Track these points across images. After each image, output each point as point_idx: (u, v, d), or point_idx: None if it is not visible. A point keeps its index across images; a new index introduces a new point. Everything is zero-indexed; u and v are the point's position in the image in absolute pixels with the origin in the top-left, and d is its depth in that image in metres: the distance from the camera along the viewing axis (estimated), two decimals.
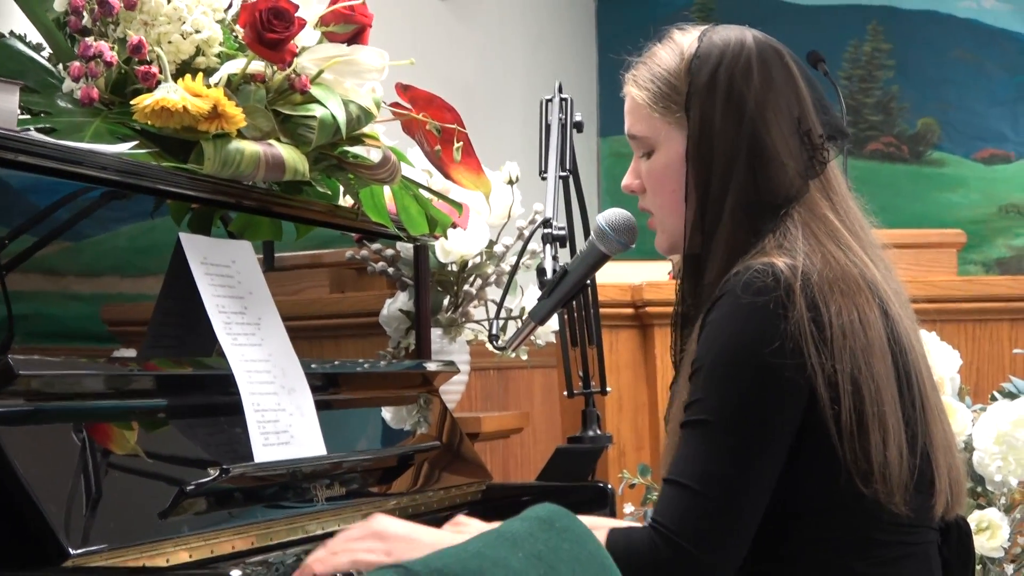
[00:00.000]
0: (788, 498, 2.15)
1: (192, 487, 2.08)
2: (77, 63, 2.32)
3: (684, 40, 2.32)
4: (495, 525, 1.78)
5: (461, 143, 2.72)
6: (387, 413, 2.81)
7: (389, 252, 3.14)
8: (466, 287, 3.37)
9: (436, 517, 2.66)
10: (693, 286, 2.31)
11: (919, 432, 2.19)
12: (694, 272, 2.30)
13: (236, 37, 2.48)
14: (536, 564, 1.63)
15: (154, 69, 2.32)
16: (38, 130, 2.16)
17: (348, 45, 2.53)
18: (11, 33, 2.44)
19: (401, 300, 3.15)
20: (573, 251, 2.84)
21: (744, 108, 2.24)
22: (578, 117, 2.90)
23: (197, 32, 2.40)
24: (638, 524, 2.22)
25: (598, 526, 2.13)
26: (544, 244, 2.71)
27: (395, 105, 2.69)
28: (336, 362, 2.79)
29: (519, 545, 1.65)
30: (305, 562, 2.06)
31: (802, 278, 2.13)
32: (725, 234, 2.24)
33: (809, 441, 2.13)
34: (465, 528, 2.16)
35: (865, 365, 2.13)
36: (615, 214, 2.59)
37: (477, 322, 3.43)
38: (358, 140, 2.59)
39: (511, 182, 3.46)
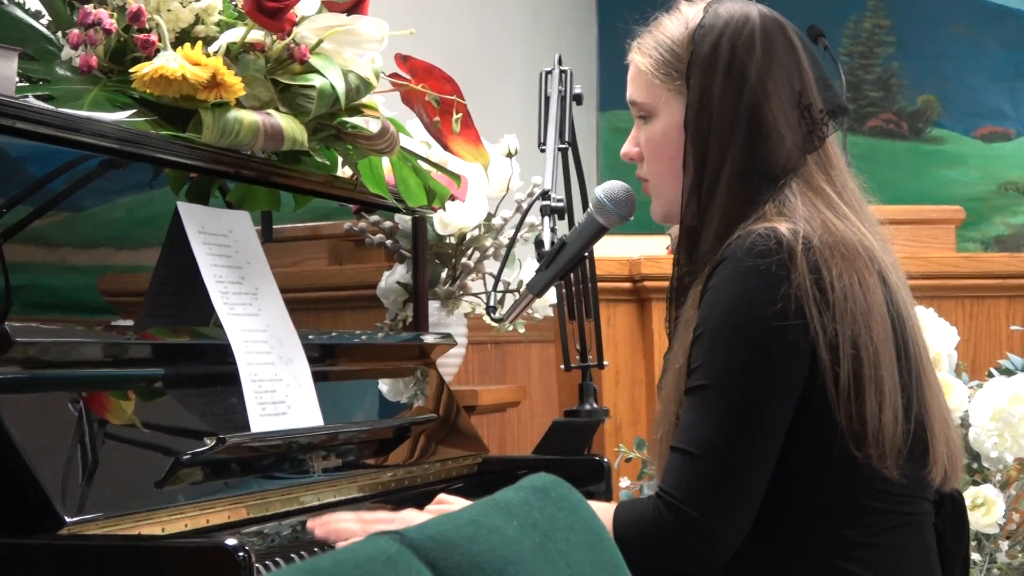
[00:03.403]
0: (783, 462, 2.15)
1: (188, 456, 2.09)
2: (76, 30, 2.31)
3: (690, 11, 2.34)
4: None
5: (460, 114, 2.72)
6: (384, 385, 2.81)
7: (387, 224, 3.14)
8: (464, 260, 3.36)
9: (431, 490, 2.67)
10: (689, 255, 2.31)
11: (914, 399, 2.20)
12: (691, 243, 2.30)
13: (235, 6, 2.48)
14: (531, 532, 1.64)
15: (153, 37, 2.32)
16: (36, 97, 2.15)
17: (347, 15, 2.53)
18: (10, 0, 2.43)
19: (399, 272, 3.15)
20: (571, 223, 2.84)
21: (745, 80, 2.25)
22: (578, 89, 2.90)
23: (196, 0, 2.39)
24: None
25: (607, 513, 2.14)
26: (542, 216, 2.71)
27: (394, 76, 2.69)
28: (333, 333, 2.79)
29: (514, 513, 1.65)
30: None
31: (803, 242, 2.14)
32: (721, 203, 2.24)
33: (806, 405, 2.14)
34: (450, 506, 2.17)
35: (865, 328, 2.14)
36: (614, 186, 2.59)
37: (475, 295, 3.43)
38: (357, 110, 2.58)
39: (510, 154, 3.45)
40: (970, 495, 3.37)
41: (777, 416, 2.14)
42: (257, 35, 2.42)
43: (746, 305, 2.13)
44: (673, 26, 2.33)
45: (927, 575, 2.25)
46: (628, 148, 2.41)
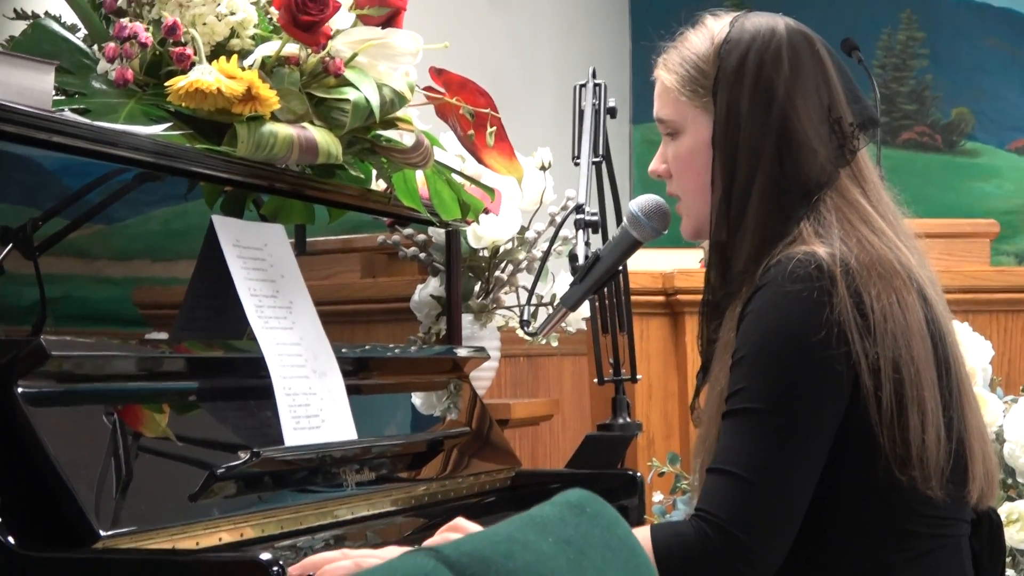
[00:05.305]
0: (825, 488, 2.14)
1: (222, 470, 2.08)
2: (112, 44, 2.32)
3: (715, 25, 2.32)
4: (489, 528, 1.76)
5: (494, 128, 2.72)
6: (417, 399, 2.81)
7: (421, 237, 3.14)
8: (497, 273, 3.36)
9: (465, 503, 2.67)
10: (721, 274, 2.29)
11: (955, 418, 2.18)
12: (722, 260, 2.29)
13: (271, 19, 2.48)
14: (566, 548, 1.63)
15: (189, 51, 2.32)
16: (72, 111, 2.16)
17: (382, 28, 2.53)
18: (46, 14, 2.44)
19: (432, 286, 3.15)
20: (605, 237, 2.83)
21: (773, 95, 2.23)
22: (611, 103, 2.89)
23: (232, 14, 2.40)
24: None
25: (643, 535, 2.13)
26: (576, 230, 2.70)
27: (428, 89, 2.69)
28: (367, 346, 2.79)
29: (549, 529, 1.64)
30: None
31: (841, 265, 2.12)
32: (753, 222, 2.22)
33: (848, 429, 2.12)
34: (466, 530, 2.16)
35: (905, 348, 2.12)
36: (648, 200, 2.57)
37: (508, 308, 3.43)
38: (391, 124, 2.59)
39: (543, 168, 3.45)
40: (1005, 511, 3.35)
41: (820, 441, 2.12)
42: (292, 48, 2.43)
43: (789, 330, 2.11)
44: (699, 41, 2.31)
45: None
46: (656, 165, 2.40)
